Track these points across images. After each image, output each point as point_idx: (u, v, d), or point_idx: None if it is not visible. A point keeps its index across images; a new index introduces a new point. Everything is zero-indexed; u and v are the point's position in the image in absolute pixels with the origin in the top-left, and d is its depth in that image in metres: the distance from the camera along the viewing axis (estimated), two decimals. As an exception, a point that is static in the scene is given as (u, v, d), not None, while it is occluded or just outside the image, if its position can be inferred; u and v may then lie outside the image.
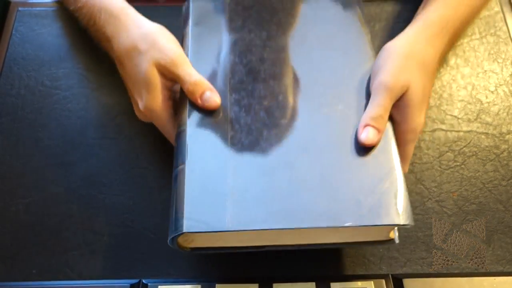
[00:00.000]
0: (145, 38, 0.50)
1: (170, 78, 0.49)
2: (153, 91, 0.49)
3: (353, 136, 0.45)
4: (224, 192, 0.42)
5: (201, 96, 0.47)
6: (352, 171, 0.43)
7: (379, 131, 0.45)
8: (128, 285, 0.47)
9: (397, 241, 0.43)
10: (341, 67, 0.50)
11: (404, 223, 0.40)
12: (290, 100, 0.48)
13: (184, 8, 0.58)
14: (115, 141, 0.56)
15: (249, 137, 0.45)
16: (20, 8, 0.66)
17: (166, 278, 0.48)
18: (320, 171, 0.43)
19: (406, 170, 0.50)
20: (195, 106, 0.47)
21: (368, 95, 0.47)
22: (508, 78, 0.61)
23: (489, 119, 0.58)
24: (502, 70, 0.61)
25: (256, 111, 0.47)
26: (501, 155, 0.56)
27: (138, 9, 0.55)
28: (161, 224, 0.51)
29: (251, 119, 0.47)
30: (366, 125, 0.45)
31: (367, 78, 0.49)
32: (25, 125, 0.57)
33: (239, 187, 0.42)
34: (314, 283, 0.46)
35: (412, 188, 0.53)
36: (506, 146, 0.56)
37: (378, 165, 0.43)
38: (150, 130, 0.57)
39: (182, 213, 0.41)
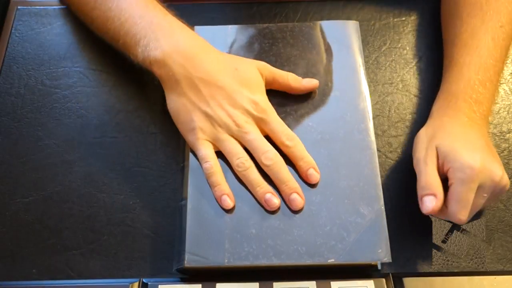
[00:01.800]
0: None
1: (271, 81, 0.53)
2: (263, 89, 0.51)
3: (340, 175, 0.49)
4: (222, 229, 0.46)
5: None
6: (338, 208, 0.47)
7: (435, 195, 0.46)
8: (128, 284, 0.47)
9: (380, 267, 0.46)
10: (335, 106, 0.53)
11: (383, 261, 0.45)
12: None
13: None
14: (115, 140, 0.56)
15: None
16: (19, 7, 0.66)
17: (166, 278, 0.48)
18: (308, 208, 0.47)
19: (462, 219, 0.46)
20: None
21: (357, 135, 0.51)
22: (508, 77, 0.61)
23: (489, 118, 0.58)
24: (502, 69, 0.61)
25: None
26: (501, 154, 0.55)
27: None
28: (161, 223, 0.51)
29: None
30: (420, 197, 0.47)
31: (357, 120, 0.52)
32: (25, 124, 0.57)
33: (235, 224, 0.47)
34: (314, 282, 0.46)
35: (414, 187, 0.53)
36: (507, 145, 0.56)
37: (363, 203, 0.47)
38: (150, 129, 0.57)
39: (184, 247, 0.46)
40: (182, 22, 0.53)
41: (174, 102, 0.50)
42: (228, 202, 0.47)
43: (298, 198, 0.47)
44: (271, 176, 0.48)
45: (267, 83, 0.52)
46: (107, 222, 0.51)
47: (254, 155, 0.48)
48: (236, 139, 0.49)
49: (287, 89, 0.53)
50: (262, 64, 0.53)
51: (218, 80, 0.49)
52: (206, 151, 0.49)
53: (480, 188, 0.46)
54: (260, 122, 0.49)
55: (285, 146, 0.49)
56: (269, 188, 0.47)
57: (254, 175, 0.48)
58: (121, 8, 0.53)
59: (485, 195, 0.46)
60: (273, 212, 0.47)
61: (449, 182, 0.47)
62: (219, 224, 0.47)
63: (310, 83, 0.53)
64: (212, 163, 0.48)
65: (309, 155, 0.49)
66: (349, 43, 0.57)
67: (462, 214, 0.46)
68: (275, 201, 0.47)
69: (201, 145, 0.49)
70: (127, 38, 0.52)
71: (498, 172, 0.46)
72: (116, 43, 0.54)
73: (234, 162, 0.48)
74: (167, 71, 0.49)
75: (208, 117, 0.49)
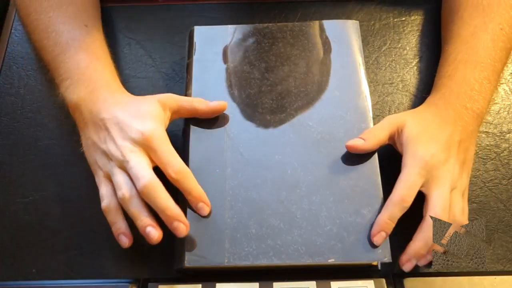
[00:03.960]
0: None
1: (177, 109, 0.51)
2: (158, 119, 0.49)
3: (340, 175, 0.49)
4: (222, 229, 0.46)
5: None
6: (338, 208, 0.47)
7: (364, 139, 0.49)
8: (128, 284, 0.47)
9: (379, 268, 0.46)
10: (335, 106, 0.53)
11: (383, 261, 0.45)
12: (284, 136, 0.51)
13: (188, 35, 0.59)
14: (115, 140, 0.56)
15: (245, 173, 0.49)
16: (19, 7, 0.66)
17: (166, 277, 0.48)
18: (308, 208, 0.47)
19: (406, 200, 0.47)
20: (196, 144, 0.51)
21: (357, 135, 0.50)
22: (508, 77, 0.61)
23: (489, 118, 0.58)
24: (502, 69, 0.61)
25: (252, 146, 0.51)
26: (501, 154, 0.55)
27: (138, 8, 0.54)
28: (161, 223, 0.51)
29: (247, 154, 0.50)
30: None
31: (357, 120, 0.52)
32: (25, 125, 0.57)
33: (235, 224, 0.47)
34: (314, 282, 0.46)
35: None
36: (507, 145, 0.56)
37: (363, 203, 0.48)
38: (150, 129, 0.57)
39: (184, 247, 0.46)
40: (113, 62, 0.55)
41: (84, 144, 0.51)
42: (124, 241, 0.48)
43: (179, 226, 0.46)
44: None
45: (174, 113, 0.51)
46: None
47: (134, 183, 0.47)
48: (123, 170, 0.47)
49: (194, 113, 0.52)
50: (165, 96, 0.51)
51: (114, 117, 0.48)
52: (103, 191, 0.48)
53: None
54: (149, 151, 0.47)
55: (172, 179, 0.47)
56: (148, 221, 0.46)
57: (134, 208, 0.46)
58: (55, 41, 0.54)
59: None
60: (273, 212, 0.47)
61: (402, 167, 0.48)
62: (219, 224, 0.47)
63: (218, 105, 0.52)
64: (106, 202, 0.47)
65: (199, 187, 0.47)
66: (349, 43, 0.57)
67: (406, 195, 0.47)
68: (154, 233, 0.46)
69: (100, 184, 0.49)
70: (55, 74, 0.54)
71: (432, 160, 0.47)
72: (48, 72, 0.56)
73: (118, 195, 0.47)
74: (78, 116, 0.51)
75: (105, 154, 0.49)
